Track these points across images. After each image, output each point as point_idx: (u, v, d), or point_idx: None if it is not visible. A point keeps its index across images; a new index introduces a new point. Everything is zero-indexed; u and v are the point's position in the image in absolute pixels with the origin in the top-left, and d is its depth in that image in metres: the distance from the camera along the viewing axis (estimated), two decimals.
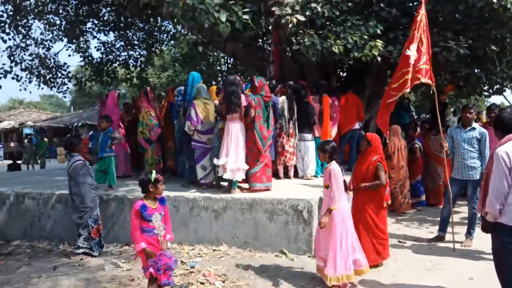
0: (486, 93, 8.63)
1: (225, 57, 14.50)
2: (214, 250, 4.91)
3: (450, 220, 5.18)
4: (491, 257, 3.23)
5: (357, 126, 7.41)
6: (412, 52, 4.84)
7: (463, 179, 5.18)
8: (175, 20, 4.95)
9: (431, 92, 5.08)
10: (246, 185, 5.54)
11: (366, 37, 5.90)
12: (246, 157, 5.35)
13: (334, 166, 3.84)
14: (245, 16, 5.22)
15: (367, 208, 4.39)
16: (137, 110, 6.92)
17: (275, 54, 8.11)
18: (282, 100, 6.24)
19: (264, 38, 10.71)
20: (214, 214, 5.06)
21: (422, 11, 4.95)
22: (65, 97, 13.79)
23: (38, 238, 5.62)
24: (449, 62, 6.43)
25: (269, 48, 8.51)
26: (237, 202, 5.03)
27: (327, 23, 6.19)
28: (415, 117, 14.53)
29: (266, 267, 4.41)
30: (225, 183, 5.43)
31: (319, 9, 6.00)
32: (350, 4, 6.26)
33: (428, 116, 13.96)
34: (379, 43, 5.87)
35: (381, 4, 6.42)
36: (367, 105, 8.20)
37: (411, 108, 12.78)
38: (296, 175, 6.51)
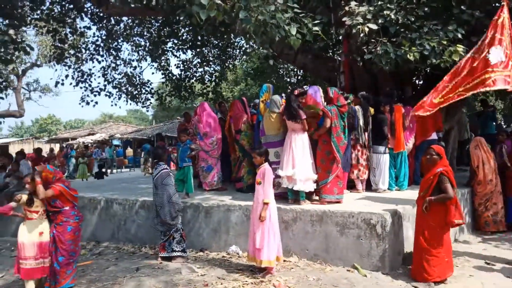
0: None
1: (295, 69, 14.62)
2: (284, 260, 4.91)
3: None
4: None
5: (434, 136, 6.94)
6: (493, 55, 4.52)
7: None
8: (248, 35, 5.14)
9: None
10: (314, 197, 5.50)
11: (445, 42, 5.56)
12: (316, 168, 5.34)
13: (267, 166, 4.55)
14: (316, 28, 5.24)
15: (423, 221, 4.33)
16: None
17: (346, 64, 8.00)
18: (356, 109, 6.11)
19: (334, 49, 10.61)
20: (284, 225, 5.08)
21: (505, 14, 4.63)
22: (147, 111, 15.00)
23: (123, 241, 6.15)
24: None
25: (339, 59, 8.41)
26: (307, 214, 5.01)
27: (402, 30, 5.95)
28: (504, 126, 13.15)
29: (336, 281, 4.32)
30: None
31: (393, 16, 5.78)
32: (426, 9, 5.95)
33: None
34: (460, 48, 5.49)
35: (462, 7, 6.00)
36: (446, 114, 7.64)
37: (496, 117, 11.60)
38: (368, 187, 6.30)
